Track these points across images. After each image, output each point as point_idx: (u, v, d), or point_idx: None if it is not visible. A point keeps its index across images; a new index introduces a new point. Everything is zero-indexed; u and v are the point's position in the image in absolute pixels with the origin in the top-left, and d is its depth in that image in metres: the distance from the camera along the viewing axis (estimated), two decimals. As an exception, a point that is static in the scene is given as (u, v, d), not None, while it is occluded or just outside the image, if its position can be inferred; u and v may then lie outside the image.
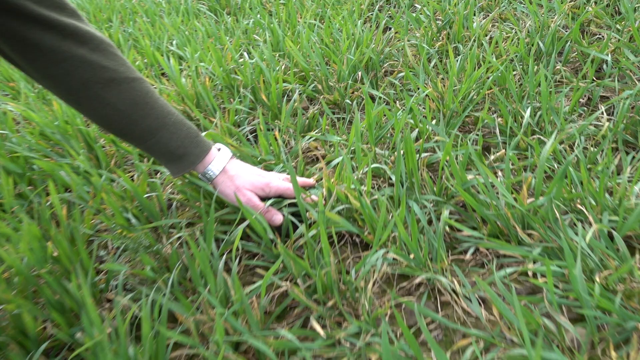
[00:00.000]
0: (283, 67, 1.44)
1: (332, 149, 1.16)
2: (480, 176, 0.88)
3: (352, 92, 1.32)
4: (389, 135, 1.10)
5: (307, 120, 1.25)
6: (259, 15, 1.88)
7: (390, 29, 1.69)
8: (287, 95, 1.38)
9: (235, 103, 1.26)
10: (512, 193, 0.85)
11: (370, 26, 1.66)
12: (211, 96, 1.26)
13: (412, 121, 1.09)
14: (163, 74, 1.66)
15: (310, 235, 0.78)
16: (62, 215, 0.89)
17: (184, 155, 0.87)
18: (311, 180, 0.98)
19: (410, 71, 1.37)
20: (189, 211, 1.00)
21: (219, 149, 0.93)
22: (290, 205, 0.92)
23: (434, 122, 1.10)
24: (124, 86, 0.77)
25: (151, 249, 0.86)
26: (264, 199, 0.91)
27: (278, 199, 0.91)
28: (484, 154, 1.03)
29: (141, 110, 0.80)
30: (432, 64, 1.40)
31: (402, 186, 0.90)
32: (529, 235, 0.79)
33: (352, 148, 1.02)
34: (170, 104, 1.34)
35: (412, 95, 1.25)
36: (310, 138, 1.16)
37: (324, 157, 1.16)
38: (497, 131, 1.04)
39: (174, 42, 1.70)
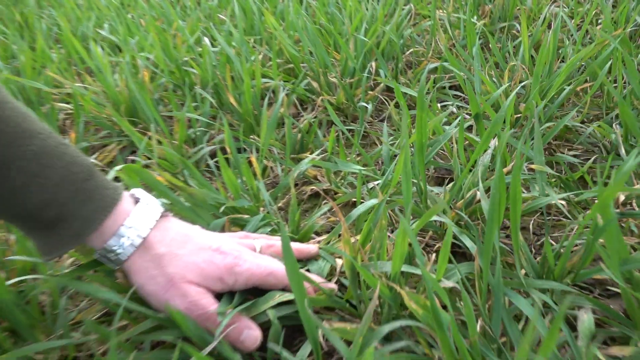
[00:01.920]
0: (261, 56, 1.00)
1: (342, 180, 0.72)
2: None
3: (367, 92, 0.89)
4: (444, 161, 0.67)
5: (299, 135, 0.82)
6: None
7: (407, 3, 1.26)
8: (269, 98, 0.95)
9: (187, 109, 0.81)
10: None
11: None
12: (149, 99, 0.81)
13: (476, 138, 0.66)
14: (91, 71, 1.20)
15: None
16: None
17: (59, 218, 0.43)
18: (311, 247, 0.55)
19: (444, 62, 0.94)
20: (92, 312, 0.54)
21: (136, 201, 0.48)
22: (281, 304, 0.48)
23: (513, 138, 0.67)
24: None
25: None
26: (223, 295, 0.48)
27: (254, 293, 0.48)
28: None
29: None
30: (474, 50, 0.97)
31: (494, 262, 0.47)
32: None
33: (387, 184, 0.59)
34: (89, 111, 0.88)
35: (460, 98, 0.82)
36: (307, 164, 0.72)
37: (327, 192, 0.72)
38: (622, 150, 0.61)
39: (106, 26, 1.24)
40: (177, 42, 1.04)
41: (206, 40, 1.02)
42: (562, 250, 0.51)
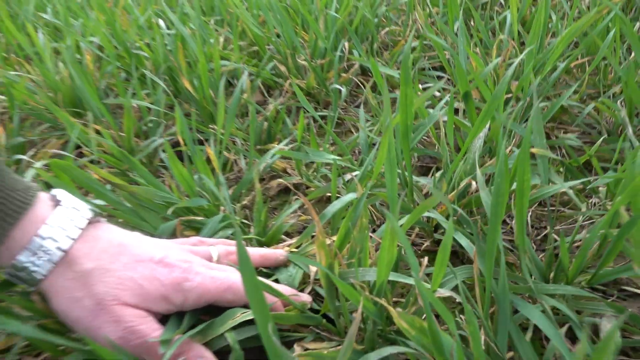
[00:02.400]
0: (222, 39, 0.90)
1: (314, 173, 0.64)
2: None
3: (340, 74, 0.80)
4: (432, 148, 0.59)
5: (266, 123, 0.73)
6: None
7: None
8: (230, 84, 0.85)
9: (137, 97, 0.71)
10: None
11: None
12: (89, 86, 0.71)
13: (466, 122, 0.58)
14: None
15: None
16: None
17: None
18: (279, 252, 0.47)
19: (425, 40, 0.86)
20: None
21: (56, 205, 0.39)
22: (244, 323, 0.40)
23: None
24: None
25: None
26: (169, 317, 0.39)
27: (210, 312, 0.40)
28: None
29: None
30: (456, 27, 0.89)
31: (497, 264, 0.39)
32: None
33: (366, 174, 0.50)
34: (25, 102, 0.77)
35: (444, 79, 0.74)
36: (274, 155, 0.63)
37: (297, 188, 0.64)
38: (630, 130, 0.55)
39: (49, 9, 1.12)
40: (123, 23, 0.93)
41: (160, 22, 0.92)
42: (567, 246, 0.44)
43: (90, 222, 0.39)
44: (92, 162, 0.70)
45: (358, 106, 0.85)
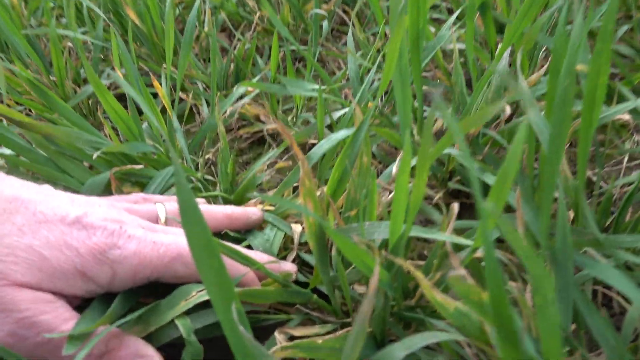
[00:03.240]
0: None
1: (293, 120, 0.52)
2: None
3: (321, 4, 0.68)
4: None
5: (233, 65, 0.60)
6: None
7: None
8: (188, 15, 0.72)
9: (70, 30, 0.57)
10: None
11: None
12: (5, 17, 0.57)
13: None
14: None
15: None
16: None
17: None
18: (252, 210, 0.35)
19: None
20: None
21: None
22: (202, 305, 0.28)
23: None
24: None
25: None
26: (92, 302, 0.27)
27: (152, 291, 0.28)
28: None
29: None
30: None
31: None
32: None
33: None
34: None
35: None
36: (242, 97, 0.51)
37: (274, 137, 0.52)
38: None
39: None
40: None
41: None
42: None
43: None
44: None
45: (343, 44, 0.73)
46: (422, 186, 0.22)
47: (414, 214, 0.23)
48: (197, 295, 0.28)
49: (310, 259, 0.35)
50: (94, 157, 0.34)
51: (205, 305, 0.29)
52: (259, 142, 0.57)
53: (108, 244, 0.26)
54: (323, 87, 0.41)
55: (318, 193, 0.34)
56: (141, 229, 0.28)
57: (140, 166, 0.36)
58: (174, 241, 0.28)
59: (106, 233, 0.27)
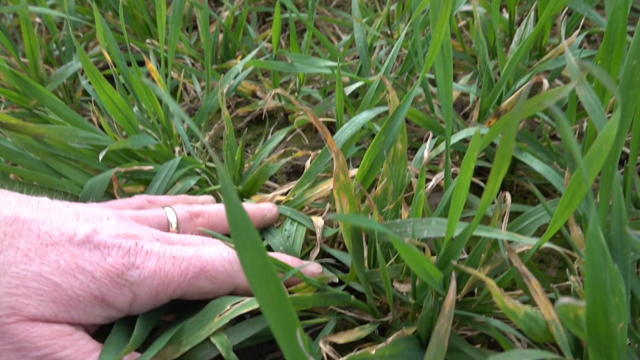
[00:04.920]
0: None
1: (295, 95, 0.49)
2: None
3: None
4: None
5: (222, 35, 0.56)
6: None
7: None
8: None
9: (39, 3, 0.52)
10: None
11: None
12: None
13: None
14: None
15: None
16: None
17: None
18: (267, 206, 0.33)
19: None
20: None
21: None
22: (235, 321, 0.26)
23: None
24: None
25: None
26: (113, 326, 0.24)
27: (176, 308, 0.26)
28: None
29: None
30: None
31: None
32: None
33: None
34: None
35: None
36: (240, 72, 0.47)
37: (273, 116, 0.49)
38: None
39: None
40: None
41: None
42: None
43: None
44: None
45: (334, 7, 0.68)
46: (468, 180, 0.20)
47: (480, 215, 0.21)
48: (233, 309, 0.26)
49: (339, 254, 0.33)
50: (100, 158, 0.30)
51: (236, 321, 0.26)
52: (257, 121, 0.53)
53: (125, 265, 0.24)
54: (340, 64, 0.37)
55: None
56: (157, 242, 0.26)
57: (149, 167, 0.33)
58: (195, 254, 0.26)
59: (122, 252, 0.24)
